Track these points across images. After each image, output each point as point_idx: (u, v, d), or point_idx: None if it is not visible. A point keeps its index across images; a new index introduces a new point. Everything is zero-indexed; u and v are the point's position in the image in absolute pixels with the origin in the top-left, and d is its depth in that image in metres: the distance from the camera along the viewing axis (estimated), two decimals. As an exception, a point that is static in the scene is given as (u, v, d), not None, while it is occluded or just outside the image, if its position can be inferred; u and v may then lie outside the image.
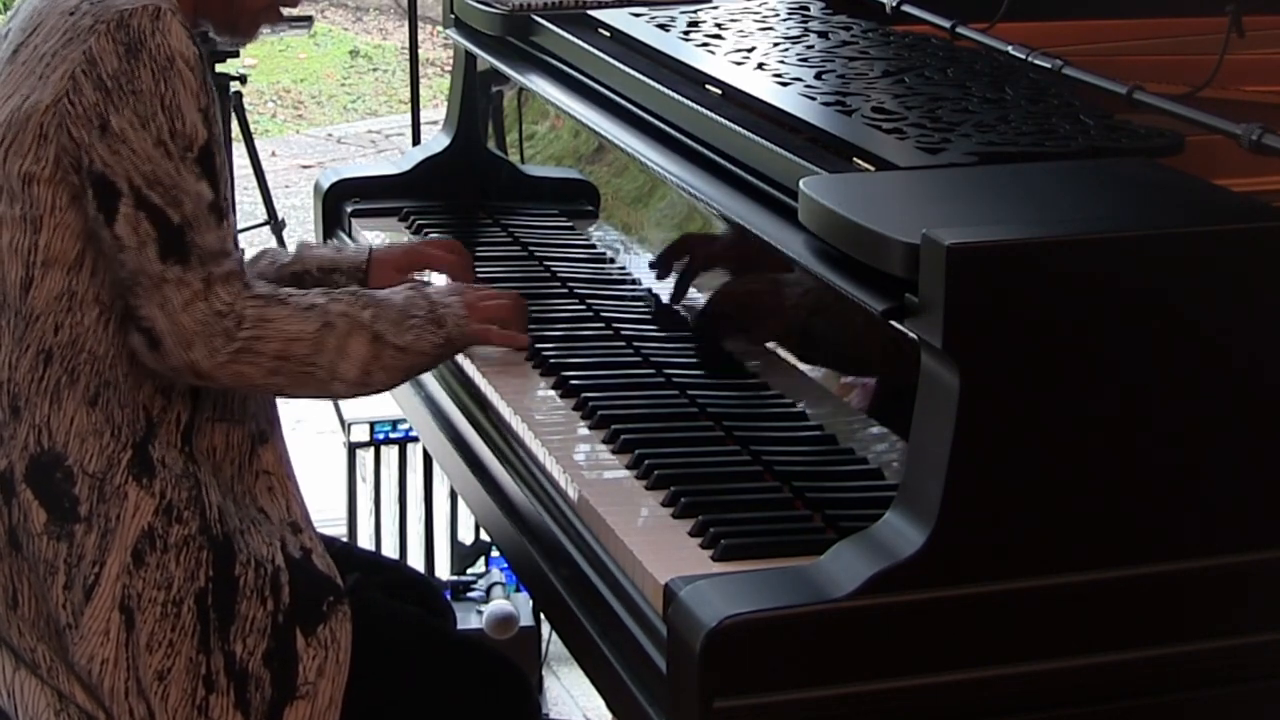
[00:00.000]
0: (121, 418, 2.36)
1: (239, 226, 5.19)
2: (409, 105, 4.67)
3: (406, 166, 3.51)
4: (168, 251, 2.30)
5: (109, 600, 2.32)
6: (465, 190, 3.45)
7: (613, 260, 3.02)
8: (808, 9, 3.09)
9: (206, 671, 2.34)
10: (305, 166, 8.50)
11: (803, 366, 2.46)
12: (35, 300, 2.35)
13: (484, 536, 4.04)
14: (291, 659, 2.37)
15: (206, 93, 2.34)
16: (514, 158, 3.45)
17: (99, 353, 2.36)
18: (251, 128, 5.44)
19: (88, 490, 2.34)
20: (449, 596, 3.66)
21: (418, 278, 2.84)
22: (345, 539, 3.95)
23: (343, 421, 4.14)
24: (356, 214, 3.41)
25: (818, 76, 2.65)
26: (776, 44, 2.87)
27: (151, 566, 2.33)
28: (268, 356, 2.34)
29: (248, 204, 5.64)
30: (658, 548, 2.13)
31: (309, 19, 5.86)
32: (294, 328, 2.36)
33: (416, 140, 4.45)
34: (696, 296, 2.74)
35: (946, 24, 2.89)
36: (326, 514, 3.89)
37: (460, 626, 3.21)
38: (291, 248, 2.85)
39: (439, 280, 2.86)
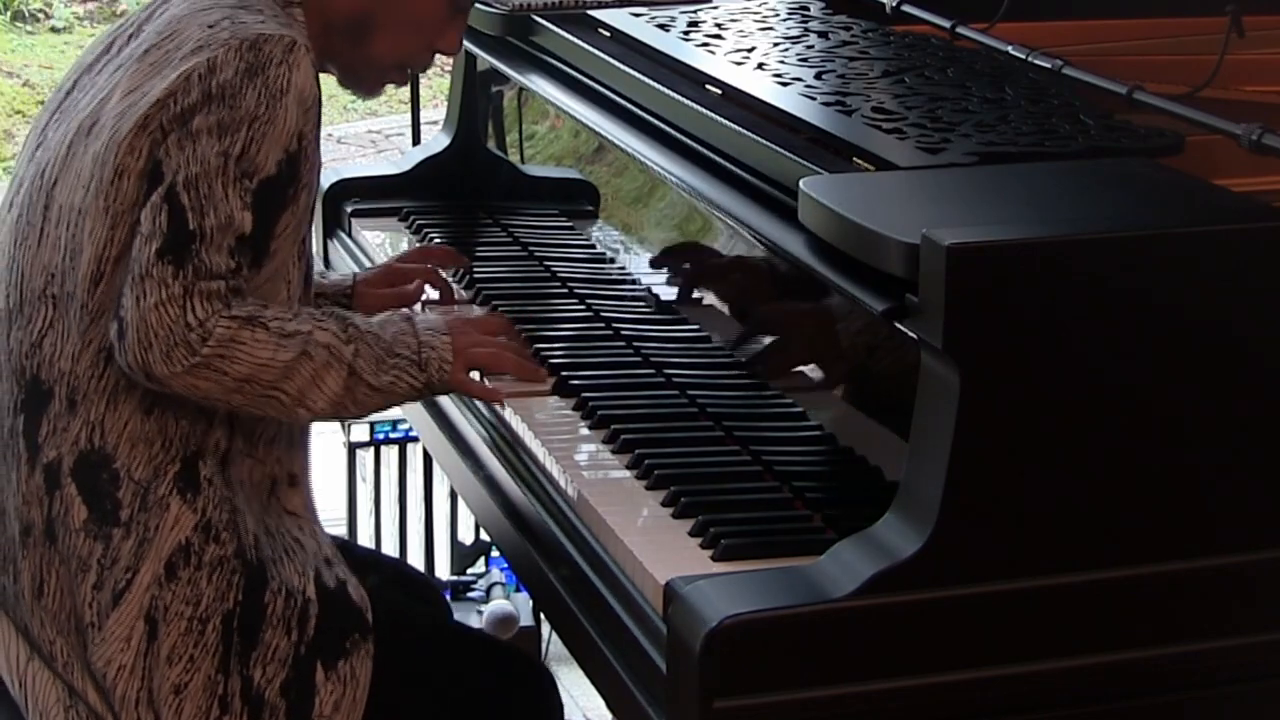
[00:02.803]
0: (175, 430, 2.33)
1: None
2: (409, 105, 4.66)
3: (406, 166, 3.51)
4: (166, 250, 2.25)
5: (135, 608, 2.31)
6: (465, 190, 3.45)
7: (613, 260, 3.02)
8: (808, 9, 3.09)
9: (223, 692, 2.33)
10: (305, 166, 8.48)
11: (802, 366, 2.46)
12: (104, 296, 2.32)
13: (484, 536, 4.04)
14: (309, 692, 2.35)
15: (302, 139, 2.29)
16: (514, 158, 3.45)
17: None
18: (251, 128, 5.42)
19: (131, 496, 2.32)
20: (449, 597, 3.67)
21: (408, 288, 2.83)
22: (345, 538, 3.95)
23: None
24: (356, 214, 3.41)
25: (818, 76, 2.65)
26: (776, 44, 2.87)
27: (183, 581, 2.32)
28: (231, 377, 2.27)
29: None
30: (658, 548, 2.13)
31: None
32: (265, 354, 2.28)
33: (416, 140, 4.44)
34: (711, 306, 2.74)
35: (946, 24, 2.89)
36: (327, 514, 3.87)
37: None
38: None
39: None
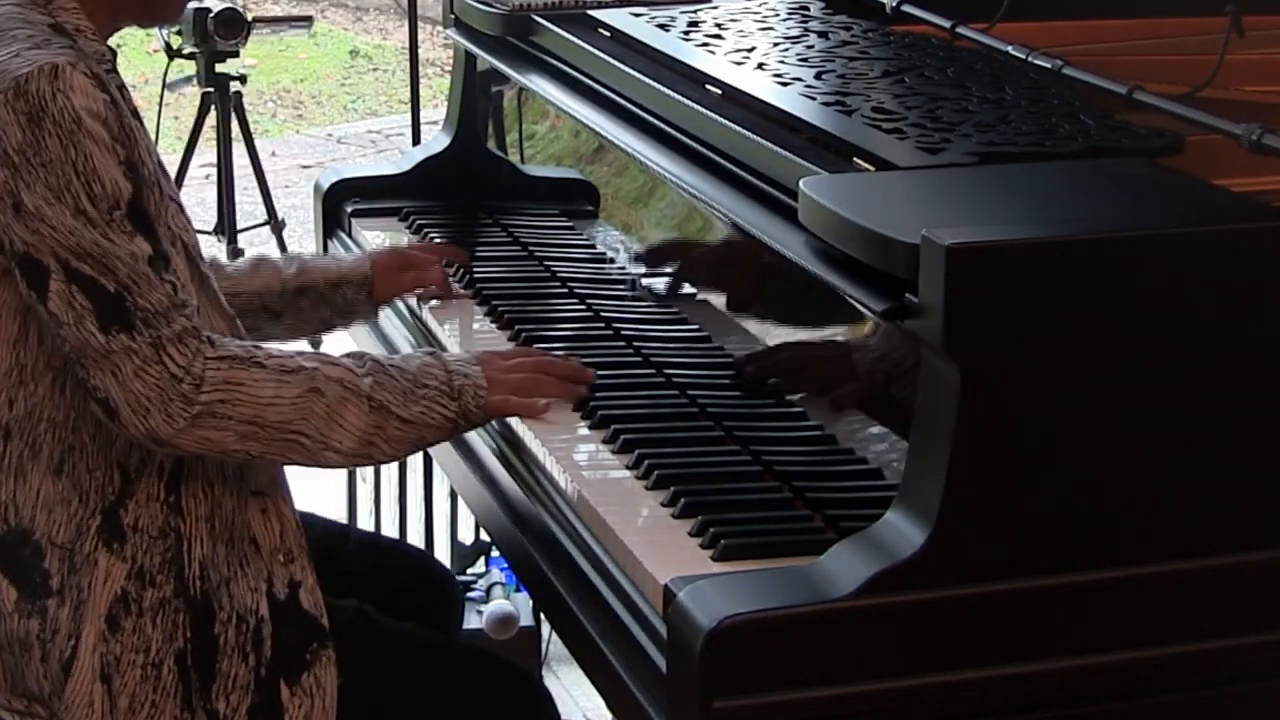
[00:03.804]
0: (90, 483, 2.29)
1: (240, 226, 5.20)
2: (409, 105, 4.67)
3: (406, 166, 3.51)
4: (109, 322, 2.18)
5: (89, 672, 2.27)
6: (465, 190, 3.45)
7: (613, 260, 3.02)
8: (808, 9, 3.09)
9: None
10: (305, 166, 8.51)
11: (802, 367, 2.46)
12: None
13: (484, 536, 4.04)
14: (276, 711, 2.31)
15: (126, 140, 2.21)
16: (514, 158, 3.45)
17: (59, 419, 2.28)
18: (251, 128, 5.44)
19: (58, 562, 2.28)
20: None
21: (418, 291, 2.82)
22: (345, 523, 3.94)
23: (343, 421, 4.13)
24: (356, 214, 3.41)
25: (818, 76, 2.65)
26: (776, 44, 2.87)
27: (128, 631, 2.28)
28: (237, 421, 2.22)
29: (248, 204, 5.64)
30: (658, 548, 2.13)
31: (309, 19, 5.85)
32: (269, 392, 2.23)
33: (416, 140, 4.45)
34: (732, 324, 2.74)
35: (946, 24, 2.89)
36: (327, 514, 3.88)
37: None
38: (293, 249, 2.82)
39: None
